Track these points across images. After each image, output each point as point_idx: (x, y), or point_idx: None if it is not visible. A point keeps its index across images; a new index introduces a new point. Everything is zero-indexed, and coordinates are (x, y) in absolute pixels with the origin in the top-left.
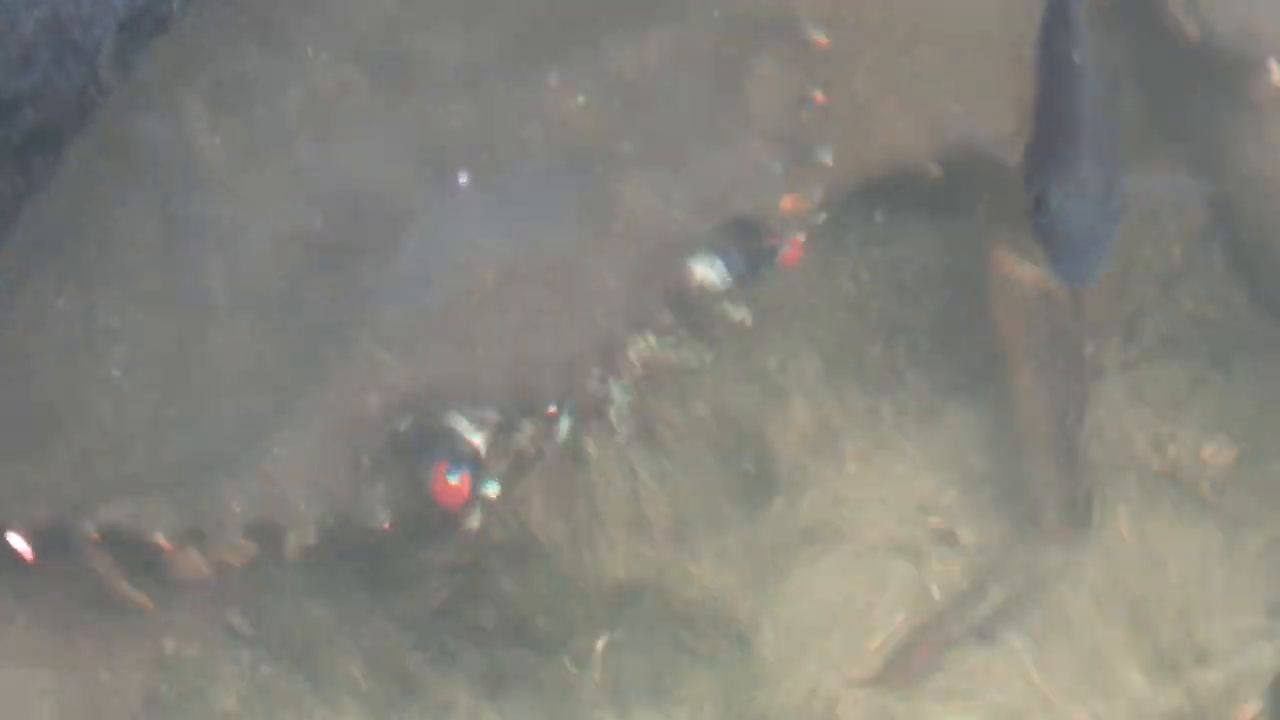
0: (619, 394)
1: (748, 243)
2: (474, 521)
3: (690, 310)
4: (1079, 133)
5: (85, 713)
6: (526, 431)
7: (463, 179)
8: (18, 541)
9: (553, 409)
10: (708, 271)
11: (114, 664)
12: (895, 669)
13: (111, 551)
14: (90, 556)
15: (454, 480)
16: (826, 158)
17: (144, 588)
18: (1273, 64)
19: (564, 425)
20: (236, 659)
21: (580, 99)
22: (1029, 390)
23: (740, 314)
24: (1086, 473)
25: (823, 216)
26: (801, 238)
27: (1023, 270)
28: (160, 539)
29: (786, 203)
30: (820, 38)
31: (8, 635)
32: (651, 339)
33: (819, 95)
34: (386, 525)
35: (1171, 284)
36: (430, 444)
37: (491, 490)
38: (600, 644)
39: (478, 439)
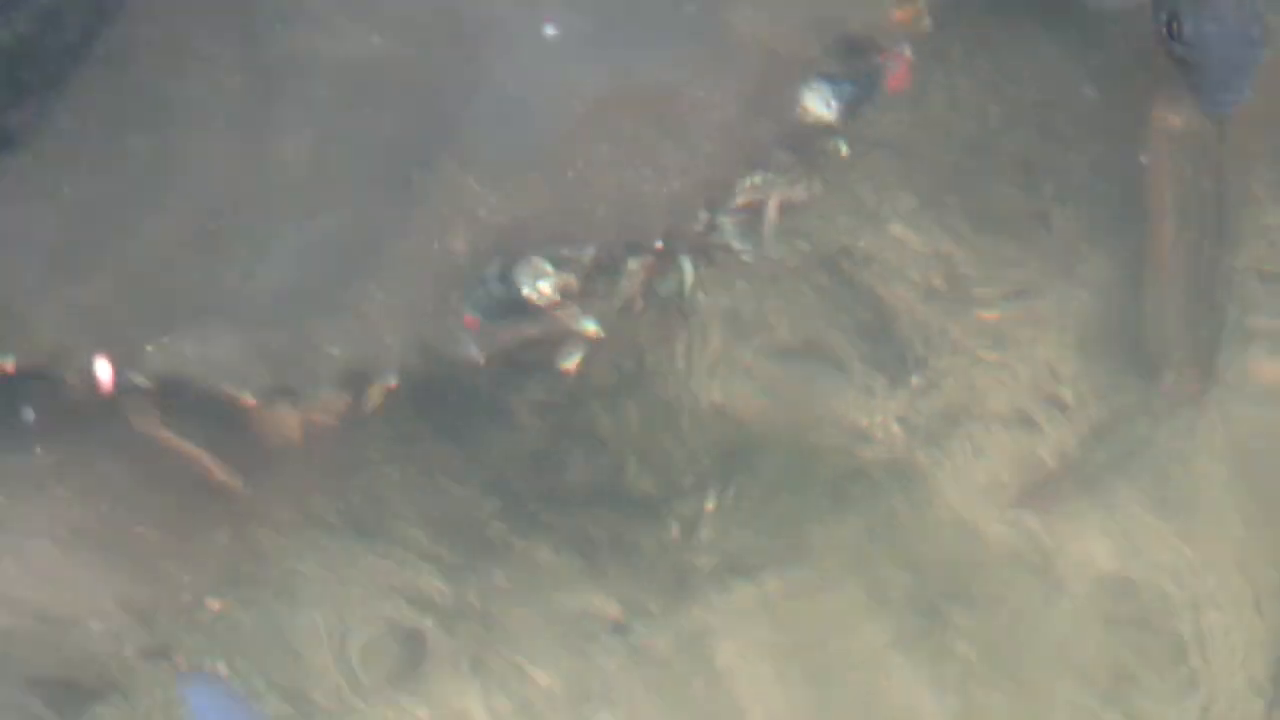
0: (730, 235)
1: (857, 64)
2: (570, 362)
3: (800, 143)
4: None
5: (149, 607)
6: (633, 270)
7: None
8: (103, 369)
9: (660, 245)
10: (818, 101)
11: (184, 551)
12: (1034, 495)
13: (182, 413)
14: (155, 419)
15: (553, 325)
16: None
17: (223, 458)
18: None
19: (683, 266)
20: (320, 544)
21: None
22: (1167, 237)
23: (839, 145)
24: (1223, 324)
25: (927, 24)
26: (909, 53)
27: (1174, 111)
28: (247, 396)
29: (897, 14)
30: None
31: (59, 510)
32: (759, 177)
33: None
34: (483, 361)
35: None
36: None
37: (590, 328)
38: (710, 505)
39: (548, 285)
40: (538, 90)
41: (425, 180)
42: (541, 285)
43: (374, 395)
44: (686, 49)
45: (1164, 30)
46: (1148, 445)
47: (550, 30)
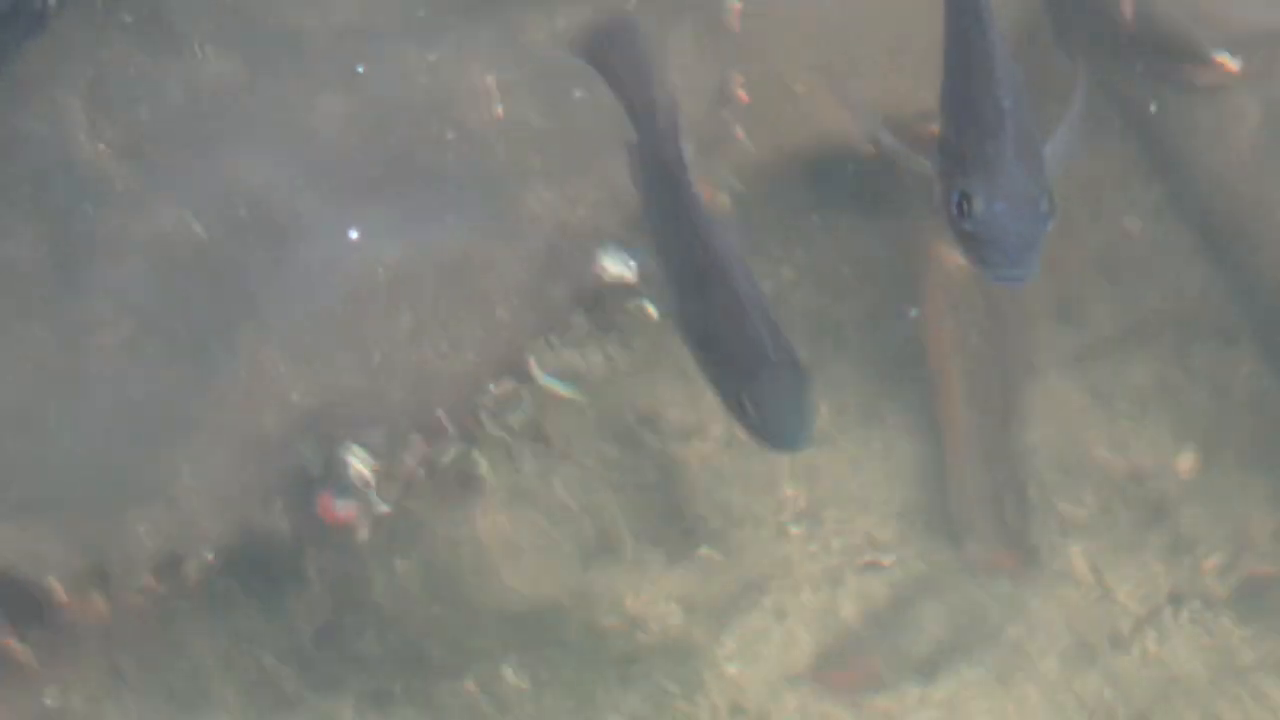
0: (522, 404)
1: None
2: (364, 533)
3: (601, 308)
4: (1002, 128)
5: None
6: (419, 450)
7: (354, 234)
8: None
9: (447, 423)
10: (614, 264)
11: None
12: (832, 677)
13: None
14: None
15: (340, 509)
16: (744, 140)
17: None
18: (1220, 55)
19: (457, 443)
20: (122, 705)
21: (489, 77)
22: (957, 399)
23: (636, 304)
24: (1025, 489)
25: (727, 201)
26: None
27: (956, 263)
28: (57, 585)
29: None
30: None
31: None
32: (557, 341)
33: (739, 77)
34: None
35: (1121, 269)
36: (323, 468)
37: (382, 508)
38: (509, 670)
39: (366, 465)
40: (342, 273)
41: (234, 362)
42: (359, 469)
43: (189, 571)
44: (483, 225)
45: (954, 208)
46: (972, 627)
47: (353, 231)
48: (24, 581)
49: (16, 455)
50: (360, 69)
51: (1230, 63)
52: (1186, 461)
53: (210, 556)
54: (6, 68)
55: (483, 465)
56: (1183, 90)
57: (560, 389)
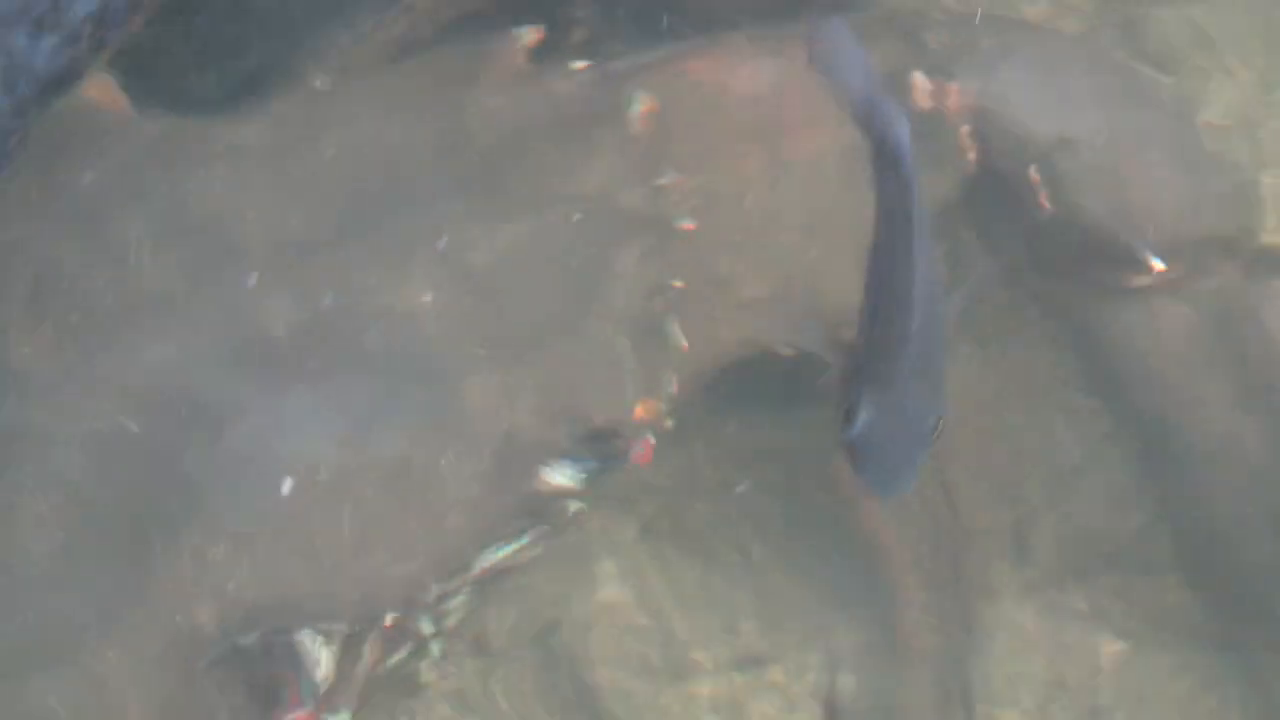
0: (459, 608)
1: (600, 446)
2: None
3: (539, 512)
4: (904, 350)
5: None
6: (370, 651)
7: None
8: None
9: (390, 623)
10: (560, 476)
11: None
12: None
13: None
14: None
15: (301, 715)
16: (681, 343)
17: None
18: (1149, 259)
19: (403, 645)
20: None
21: (426, 296)
22: (904, 614)
23: (578, 507)
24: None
25: (670, 423)
26: (652, 439)
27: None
28: None
29: (639, 411)
30: (687, 224)
31: None
32: (500, 548)
33: (677, 283)
34: None
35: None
36: (274, 672)
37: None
38: None
39: (322, 669)
40: (282, 465)
41: (170, 551)
42: (324, 664)
43: None
44: (428, 429)
45: (841, 416)
46: None
47: (283, 408)
48: None
49: None
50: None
51: (1158, 265)
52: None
53: None
54: None
55: (424, 668)
56: (1114, 294)
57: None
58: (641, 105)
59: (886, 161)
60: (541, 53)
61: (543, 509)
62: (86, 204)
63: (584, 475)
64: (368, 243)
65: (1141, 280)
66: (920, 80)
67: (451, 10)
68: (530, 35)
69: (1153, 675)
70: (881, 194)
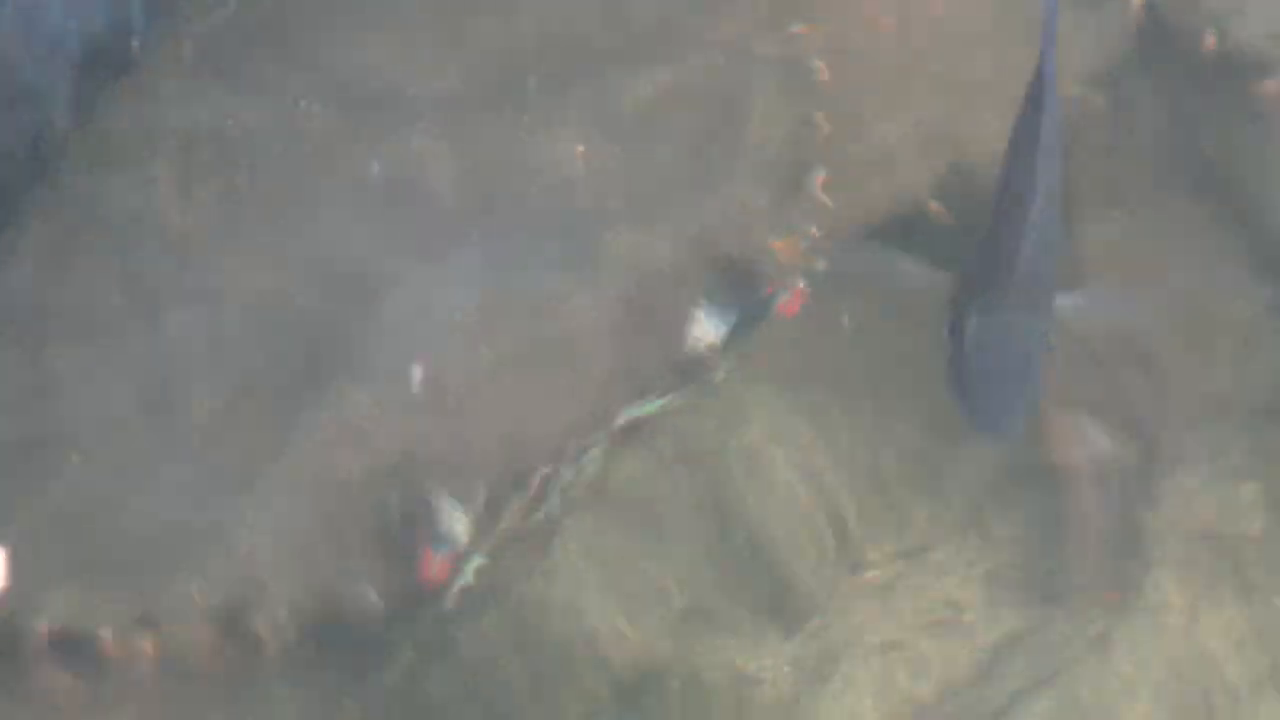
0: (597, 458)
1: (744, 292)
2: (452, 600)
3: (685, 369)
4: (1015, 265)
5: None
6: (514, 506)
7: (417, 376)
8: None
9: (539, 481)
10: (704, 326)
11: None
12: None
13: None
14: (41, 671)
15: (439, 561)
16: (823, 196)
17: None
18: None
19: (553, 500)
20: None
21: (578, 145)
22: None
23: (727, 366)
24: (1135, 538)
25: (822, 264)
26: (803, 285)
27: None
28: (108, 637)
29: (779, 246)
30: (823, 70)
31: None
32: (646, 404)
33: (821, 116)
34: (379, 609)
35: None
36: (416, 522)
37: (474, 565)
38: None
39: (461, 520)
40: (432, 326)
41: (320, 408)
42: (459, 530)
43: (263, 631)
44: (574, 275)
45: (947, 330)
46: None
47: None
48: (78, 634)
49: (87, 510)
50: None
51: None
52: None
53: (284, 614)
54: (95, 119)
55: (567, 524)
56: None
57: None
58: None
59: (1035, 92)
60: None
61: (688, 365)
62: (238, 60)
63: (727, 326)
64: (521, 96)
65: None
66: None
67: None
68: None
69: None
70: (1022, 119)
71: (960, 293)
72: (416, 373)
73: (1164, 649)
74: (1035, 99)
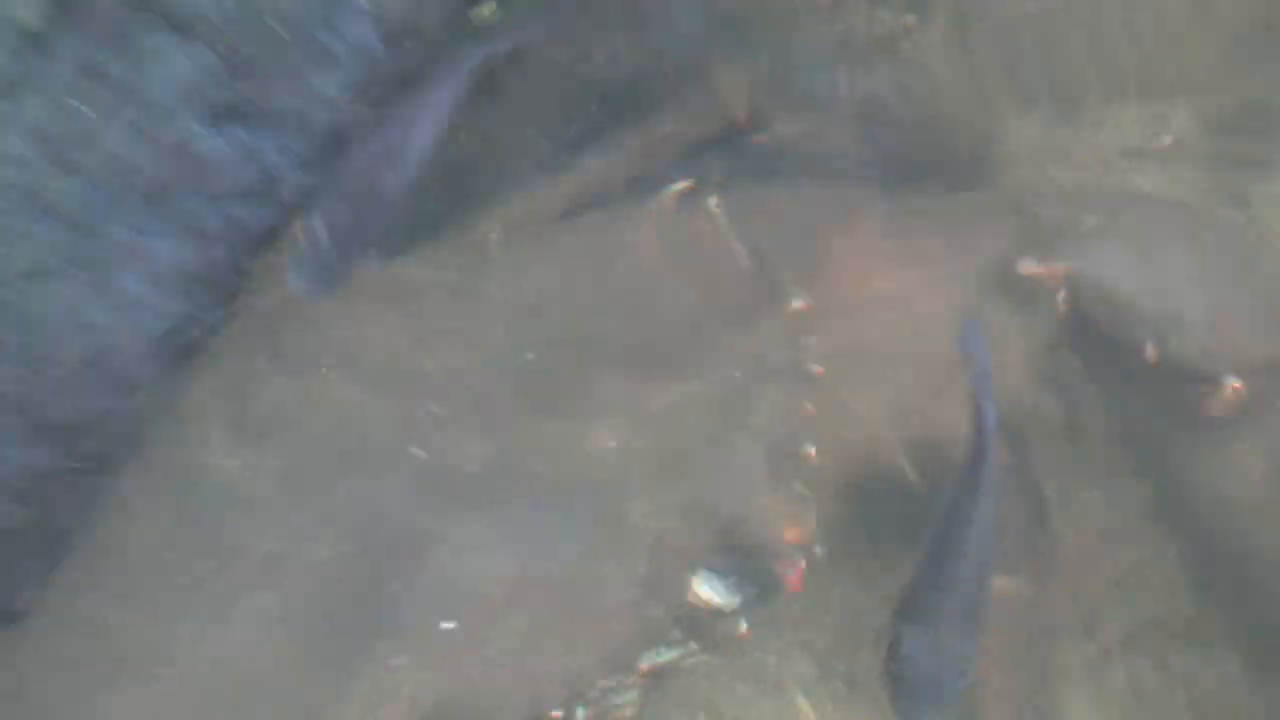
0: (632, 702)
1: (756, 567)
2: None
3: (697, 625)
4: (952, 593)
5: None
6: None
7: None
8: None
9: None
10: (712, 591)
11: None
12: None
13: None
14: None
15: None
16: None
17: None
18: (1230, 380)
19: None
20: None
21: (610, 442)
22: (1003, 679)
23: (741, 628)
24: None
25: (819, 550)
26: (803, 564)
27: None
28: None
29: (789, 533)
30: (818, 369)
31: None
32: (661, 652)
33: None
34: None
35: (1126, 586)
36: None
37: None
38: None
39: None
40: (467, 585)
41: (365, 661)
42: None
43: None
44: (592, 546)
45: (886, 644)
46: None
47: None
48: None
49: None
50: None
51: (1238, 386)
52: None
53: None
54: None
55: None
56: (1196, 425)
57: (659, 659)
58: (799, 302)
59: (975, 435)
60: (689, 199)
61: (700, 622)
62: (288, 342)
63: (739, 596)
64: (546, 388)
65: (1224, 405)
66: (1027, 264)
67: (618, 173)
68: (682, 185)
69: None
70: (966, 456)
71: (903, 602)
72: (453, 630)
73: None
74: (976, 449)
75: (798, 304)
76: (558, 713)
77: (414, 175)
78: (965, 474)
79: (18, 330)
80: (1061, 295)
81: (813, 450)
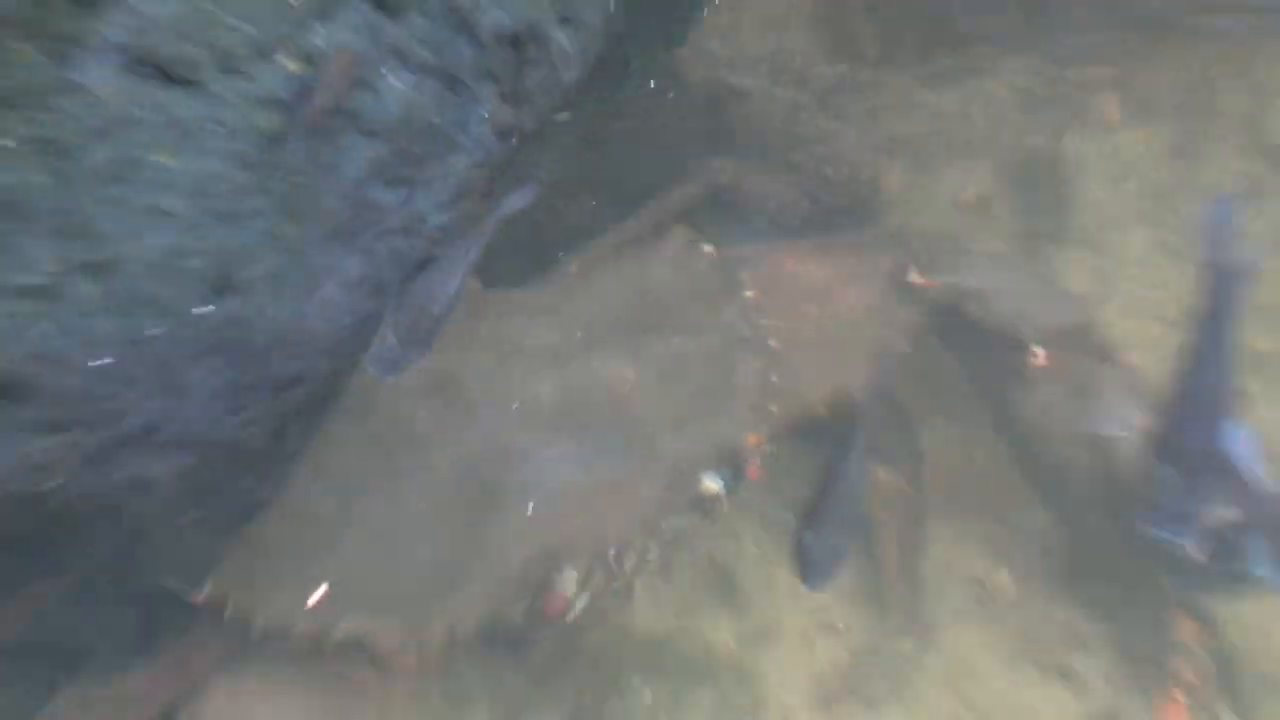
0: (652, 550)
1: (732, 464)
2: (571, 619)
3: (700, 504)
4: (836, 505)
5: None
6: (599, 573)
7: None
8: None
9: (615, 557)
10: (711, 482)
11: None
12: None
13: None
14: (340, 653)
15: (556, 600)
16: (774, 409)
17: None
18: (1035, 348)
19: (625, 570)
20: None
21: (632, 375)
22: (888, 538)
23: (723, 506)
24: (925, 590)
25: (769, 449)
26: (759, 461)
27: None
28: (384, 646)
29: (750, 439)
30: (775, 345)
31: (289, 700)
32: (678, 519)
33: (774, 377)
34: (522, 624)
35: (974, 477)
36: (545, 581)
37: (581, 605)
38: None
39: (572, 579)
40: (554, 480)
41: (500, 526)
42: (570, 584)
43: (460, 637)
44: (633, 462)
45: (795, 539)
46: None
47: (551, 454)
48: (370, 643)
49: (370, 568)
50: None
51: (1041, 351)
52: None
53: (473, 631)
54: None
55: (636, 586)
56: (1018, 376)
57: (676, 525)
58: (750, 289)
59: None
60: (691, 243)
61: (702, 502)
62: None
63: (723, 483)
64: (599, 349)
65: (1036, 365)
66: (914, 275)
67: (648, 222)
68: (682, 234)
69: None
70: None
71: (803, 513)
72: (543, 505)
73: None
74: (851, 437)
75: (750, 294)
76: (613, 551)
77: (449, 303)
78: (845, 431)
79: (258, 316)
80: (934, 295)
81: (775, 407)
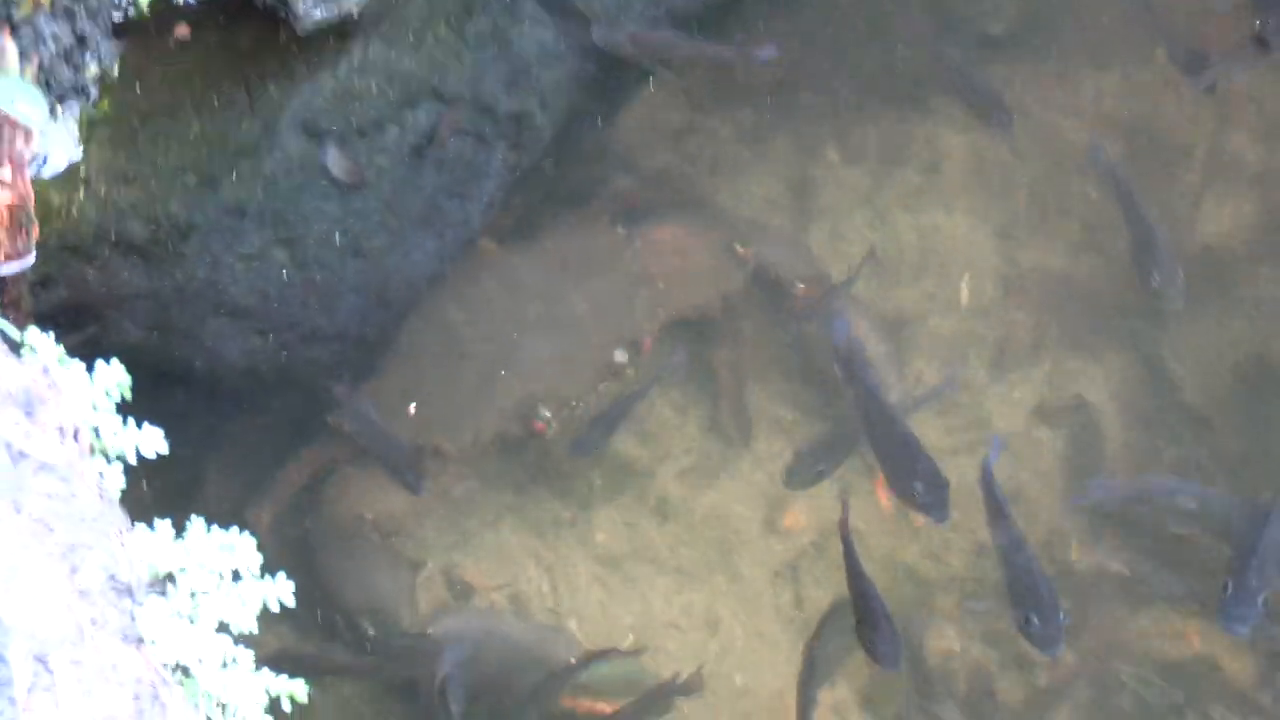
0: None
1: (634, 348)
2: (549, 433)
3: (618, 373)
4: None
5: None
6: (565, 410)
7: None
8: None
9: (574, 402)
10: (621, 358)
11: None
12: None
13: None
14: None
15: (540, 422)
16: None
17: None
18: (798, 285)
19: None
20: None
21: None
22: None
23: (631, 373)
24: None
25: (649, 342)
26: (649, 343)
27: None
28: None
29: (646, 343)
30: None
31: None
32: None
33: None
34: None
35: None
36: (532, 413)
37: (553, 428)
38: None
39: (548, 414)
40: (535, 356)
41: (506, 380)
42: (544, 413)
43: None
44: (579, 346)
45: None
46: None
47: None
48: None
49: (435, 400)
50: None
51: (803, 288)
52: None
53: (491, 440)
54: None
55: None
56: (795, 312)
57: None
58: (639, 243)
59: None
60: (617, 219)
61: (617, 369)
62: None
63: (628, 356)
64: (555, 283)
65: (801, 302)
66: (739, 248)
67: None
68: (600, 216)
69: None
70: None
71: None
72: (531, 369)
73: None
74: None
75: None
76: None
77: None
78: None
79: (376, 269)
80: (750, 262)
81: (648, 340)
